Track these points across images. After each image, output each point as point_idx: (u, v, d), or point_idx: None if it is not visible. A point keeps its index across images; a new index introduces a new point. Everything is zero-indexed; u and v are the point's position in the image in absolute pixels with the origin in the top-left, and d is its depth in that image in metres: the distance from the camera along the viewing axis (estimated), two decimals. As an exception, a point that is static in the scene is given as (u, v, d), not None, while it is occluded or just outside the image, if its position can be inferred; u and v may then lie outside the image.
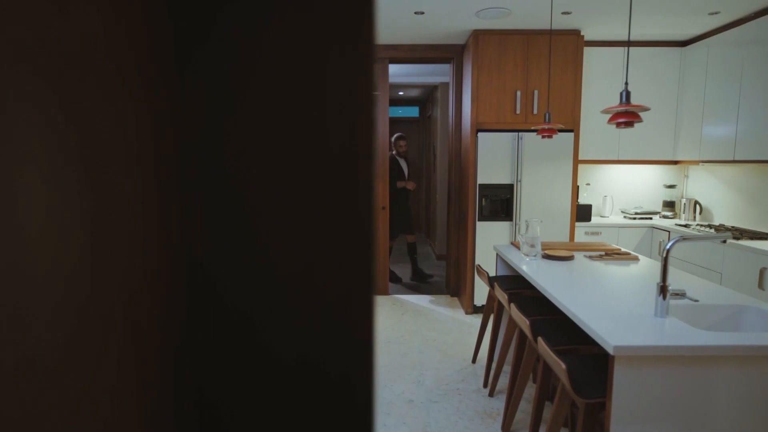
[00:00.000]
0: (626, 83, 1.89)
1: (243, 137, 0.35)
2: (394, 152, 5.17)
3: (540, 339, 1.83)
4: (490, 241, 4.14)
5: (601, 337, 1.57)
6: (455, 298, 4.79)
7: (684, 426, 1.57)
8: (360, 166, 0.35)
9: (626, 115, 1.81)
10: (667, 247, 1.74)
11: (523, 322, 2.13)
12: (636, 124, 4.35)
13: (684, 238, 1.80)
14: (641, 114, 4.31)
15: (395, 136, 5.23)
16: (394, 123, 8.51)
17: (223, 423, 0.37)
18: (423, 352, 3.47)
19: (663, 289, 1.74)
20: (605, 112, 1.89)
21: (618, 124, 1.85)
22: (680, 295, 1.77)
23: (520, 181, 4.08)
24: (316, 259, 0.36)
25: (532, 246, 2.74)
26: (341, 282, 0.36)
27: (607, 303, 1.92)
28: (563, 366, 1.62)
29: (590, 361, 1.80)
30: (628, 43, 1.96)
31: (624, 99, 1.85)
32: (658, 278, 2.33)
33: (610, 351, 1.51)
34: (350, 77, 0.34)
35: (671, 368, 1.55)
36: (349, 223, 0.35)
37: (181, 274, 0.36)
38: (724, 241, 3.42)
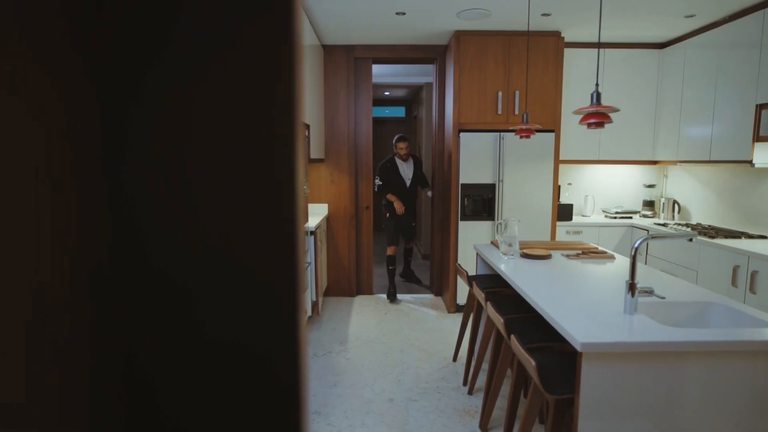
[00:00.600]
0: (597, 84, 1.92)
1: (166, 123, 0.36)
2: (395, 155, 4.74)
3: (512, 336, 1.85)
4: (472, 241, 4.17)
5: (570, 334, 1.59)
6: (439, 298, 4.81)
7: (653, 421, 1.60)
8: (278, 152, 0.36)
9: (597, 116, 1.84)
10: (635, 245, 1.77)
11: (498, 320, 2.15)
12: (616, 125, 4.42)
13: (652, 237, 1.84)
14: (616, 114, 4.38)
15: (395, 137, 4.75)
16: (382, 123, 8.52)
17: (150, 395, 0.38)
18: (404, 351, 3.49)
19: (632, 287, 1.77)
20: (576, 112, 1.92)
21: (589, 125, 1.89)
22: (648, 292, 1.81)
23: (501, 180, 4.12)
24: (241, 237, 0.37)
25: (510, 245, 2.77)
26: (264, 260, 0.37)
27: (579, 301, 1.95)
28: (533, 363, 1.64)
29: (561, 358, 1.83)
30: (599, 45, 1.99)
31: (595, 100, 1.88)
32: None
33: (578, 348, 1.54)
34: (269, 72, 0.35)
35: (639, 364, 1.58)
36: (270, 208, 0.36)
37: (106, 239, 0.36)
38: (691, 239, 3.49)
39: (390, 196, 4.65)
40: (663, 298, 1.88)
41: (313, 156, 4.03)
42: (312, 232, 3.80)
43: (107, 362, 0.37)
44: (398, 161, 4.70)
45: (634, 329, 1.65)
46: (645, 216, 4.68)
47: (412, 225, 4.95)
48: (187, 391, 0.38)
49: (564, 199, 4.72)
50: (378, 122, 8.41)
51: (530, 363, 1.67)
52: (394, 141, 4.77)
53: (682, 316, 1.94)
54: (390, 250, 4.82)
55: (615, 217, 4.56)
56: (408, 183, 4.74)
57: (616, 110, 1.84)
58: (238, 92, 0.35)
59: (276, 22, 0.34)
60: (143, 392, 0.38)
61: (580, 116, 1.93)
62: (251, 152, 0.36)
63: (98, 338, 0.36)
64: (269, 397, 0.38)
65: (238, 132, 0.36)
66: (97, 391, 0.36)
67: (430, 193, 4.97)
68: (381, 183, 4.67)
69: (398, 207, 4.61)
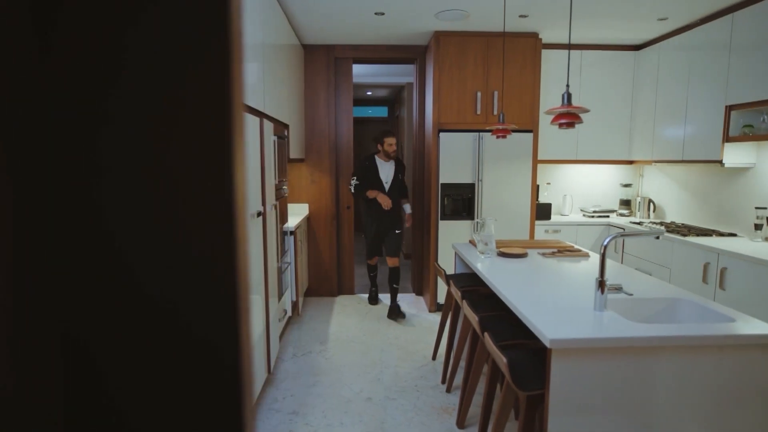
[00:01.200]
0: (567, 85, 1.95)
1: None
2: (376, 154, 4.18)
3: (486, 334, 1.88)
4: (452, 240, 4.20)
5: (540, 331, 1.62)
6: (420, 297, 4.84)
7: (623, 415, 1.63)
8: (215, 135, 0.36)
9: (567, 116, 1.87)
10: (605, 243, 1.81)
11: (473, 319, 2.18)
12: (594, 125, 4.49)
13: (621, 235, 1.87)
14: (594, 114, 4.45)
15: (381, 131, 4.19)
16: (364, 123, 8.53)
17: (88, 364, 0.38)
18: (384, 350, 3.50)
19: (601, 284, 1.80)
20: (548, 113, 1.95)
21: (560, 125, 1.92)
22: (617, 289, 1.85)
23: (481, 180, 4.16)
24: (179, 213, 0.37)
25: (487, 244, 2.80)
26: (201, 234, 0.37)
27: (552, 298, 1.98)
28: (504, 360, 1.66)
29: (533, 355, 1.85)
30: (569, 47, 2.03)
31: (566, 100, 1.91)
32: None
33: (547, 344, 1.56)
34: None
35: (608, 360, 1.61)
36: (208, 182, 0.37)
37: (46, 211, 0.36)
38: (659, 237, 3.56)
39: (371, 192, 4.09)
40: (631, 294, 1.92)
41: (293, 156, 4.02)
42: (292, 232, 3.79)
43: (43, 339, 0.37)
44: (379, 161, 4.15)
45: (603, 325, 1.68)
46: (622, 215, 4.77)
47: (396, 233, 4.24)
48: (126, 369, 0.38)
49: (543, 199, 4.78)
50: (361, 122, 8.41)
51: (502, 360, 1.69)
52: (378, 136, 4.12)
53: (651, 312, 1.99)
54: (371, 261, 4.46)
55: (593, 216, 4.63)
56: (387, 187, 4.16)
57: (586, 110, 1.87)
58: (158, 73, 0.36)
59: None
60: (81, 370, 0.38)
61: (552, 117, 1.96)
62: (186, 125, 0.36)
63: (34, 316, 0.36)
64: (210, 378, 0.38)
65: (169, 107, 0.36)
66: (32, 366, 0.36)
67: (408, 209, 4.34)
68: (358, 183, 4.15)
69: (383, 201, 4.03)
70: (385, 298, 4.74)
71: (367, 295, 4.76)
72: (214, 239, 0.37)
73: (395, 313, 4.12)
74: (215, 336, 0.38)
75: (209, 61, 0.35)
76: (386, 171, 4.18)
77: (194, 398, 0.39)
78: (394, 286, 4.22)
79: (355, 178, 4.18)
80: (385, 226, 4.20)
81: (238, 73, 0.37)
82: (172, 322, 0.38)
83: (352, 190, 4.20)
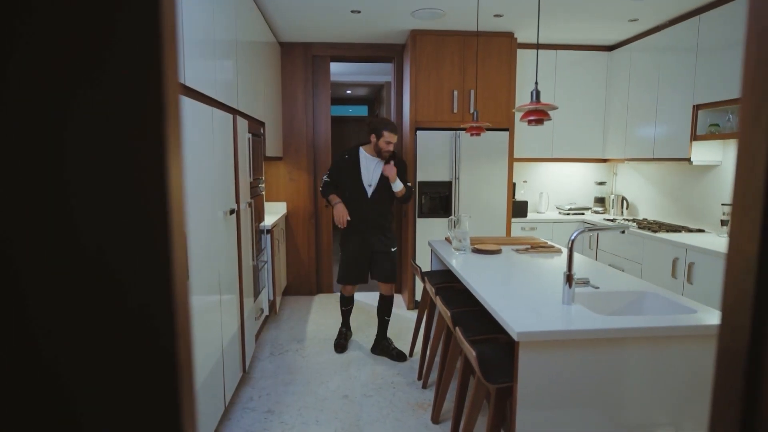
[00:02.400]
0: (536, 83, 1.99)
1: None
2: (367, 145, 3.26)
3: (457, 328, 1.90)
4: (429, 237, 4.22)
5: (508, 324, 1.64)
6: (399, 295, 4.85)
7: (592, 407, 1.67)
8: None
9: (536, 113, 1.90)
10: (572, 237, 1.84)
11: (446, 314, 2.20)
12: (568, 124, 4.56)
13: (588, 230, 1.91)
14: (569, 113, 4.52)
15: (379, 122, 3.20)
16: (344, 122, 8.52)
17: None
18: (361, 348, 3.50)
19: (569, 278, 1.84)
20: (518, 110, 1.98)
21: (529, 122, 1.95)
22: (585, 283, 1.89)
23: (458, 178, 4.19)
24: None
25: (462, 241, 2.82)
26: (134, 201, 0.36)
27: (522, 293, 2.01)
28: (473, 353, 1.68)
29: (503, 349, 1.88)
30: (537, 46, 2.06)
31: (534, 98, 1.94)
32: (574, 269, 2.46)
33: (515, 337, 1.59)
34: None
35: (574, 352, 1.64)
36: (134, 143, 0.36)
37: None
38: (623, 232, 3.66)
39: (333, 197, 3.20)
40: (597, 288, 1.96)
41: (269, 154, 3.99)
42: (269, 231, 3.77)
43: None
44: (365, 157, 3.23)
45: (570, 318, 1.72)
46: (596, 212, 4.86)
47: (392, 251, 3.31)
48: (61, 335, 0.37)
49: (520, 196, 4.85)
50: (341, 121, 8.40)
51: (471, 353, 1.71)
52: (377, 126, 3.15)
53: (618, 305, 2.03)
54: (345, 290, 3.43)
55: (568, 214, 4.71)
56: (370, 192, 3.21)
57: (554, 108, 1.91)
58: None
59: None
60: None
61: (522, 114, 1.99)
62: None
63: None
64: (145, 359, 0.38)
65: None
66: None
67: (398, 186, 3.20)
68: (329, 180, 3.27)
69: (337, 215, 3.14)
70: (362, 295, 4.72)
71: None
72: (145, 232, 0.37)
73: (386, 351, 3.33)
74: (154, 315, 0.37)
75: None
76: (370, 171, 3.21)
77: (132, 384, 0.38)
78: (386, 318, 3.38)
79: (327, 174, 3.33)
80: (371, 243, 3.26)
81: (170, 46, 0.36)
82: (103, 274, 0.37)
83: (320, 188, 3.34)
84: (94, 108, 0.36)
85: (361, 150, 3.27)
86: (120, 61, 0.35)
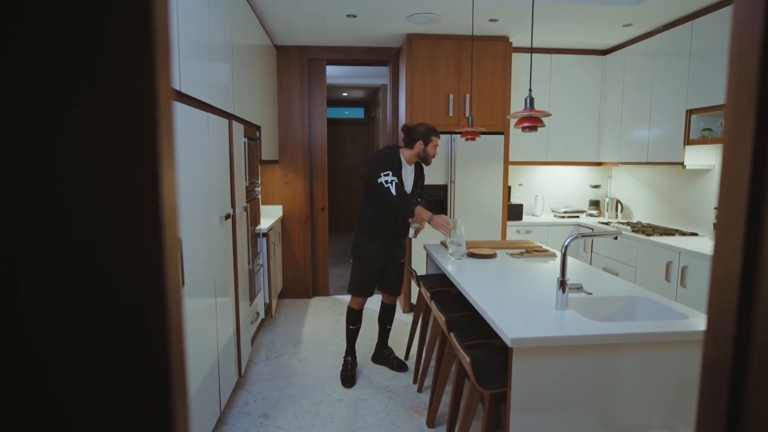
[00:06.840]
0: (530, 90, 2.00)
1: None
2: (403, 149, 2.97)
3: (451, 334, 1.90)
4: (425, 241, 4.23)
5: (501, 330, 1.65)
6: (395, 298, 4.86)
7: (584, 412, 1.68)
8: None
9: (529, 120, 1.91)
10: (565, 243, 1.85)
11: (441, 319, 2.20)
12: (564, 128, 4.58)
13: (582, 235, 1.93)
14: (564, 117, 4.55)
15: (426, 127, 2.91)
16: (340, 124, 8.52)
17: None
18: (358, 351, 3.50)
19: (562, 284, 1.85)
20: (511, 116, 1.99)
21: (523, 129, 1.96)
22: (578, 288, 1.90)
23: (453, 181, 4.20)
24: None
25: (457, 245, 2.83)
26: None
27: (517, 298, 2.02)
28: (468, 359, 1.69)
29: (497, 354, 1.89)
30: (531, 50, 2.08)
31: (528, 104, 1.95)
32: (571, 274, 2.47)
33: (509, 343, 1.60)
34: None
35: (567, 358, 1.65)
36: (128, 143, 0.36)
37: None
38: (616, 237, 3.66)
39: (420, 210, 2.76)
40: (590, 293, 1.97)
41: (265, 157, 3.99)
42: (264, 234, 3.77)
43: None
44: (403, 161, 2.93)
45: (563, 324, 1.73)
46: (591, 215, 4.88)
47: (402, 262, 3.17)
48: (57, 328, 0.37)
49: (515, 200, 4.86)
50: (337, 123, 8.41)
51: (465, 359, 1.72)
52: (425, 133, 2.88)
53: (611, 310, 2.05)
54: (355, 303, 3.09)
55: (563, 217, 4.73)
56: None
57: (548, 114, 1.92)
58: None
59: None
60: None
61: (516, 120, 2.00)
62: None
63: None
64: (137, 350, 0.38)
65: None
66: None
67: (412, 233, 3.06)
68: (399, 181, 2.80)
69: (444, 222, 2.74)
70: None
71: (342, 296, 4.74)
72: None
73: (386, 360, 3.24)
74: (147, 307, 0.37)
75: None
76: (408, 177, 2.98)
77: (123, 375, 0.38)
78: (387, 327, 3.28)
79: (389, 173, 2.78)
80: (389, 252, 3.05)
81: (163, 51, 0.36)
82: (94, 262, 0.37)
83: (393, 191, 2.74)
84: (87, 113, 0.36)
85: (399, 152, 2.96)
86: (112, 69, 0.36)
